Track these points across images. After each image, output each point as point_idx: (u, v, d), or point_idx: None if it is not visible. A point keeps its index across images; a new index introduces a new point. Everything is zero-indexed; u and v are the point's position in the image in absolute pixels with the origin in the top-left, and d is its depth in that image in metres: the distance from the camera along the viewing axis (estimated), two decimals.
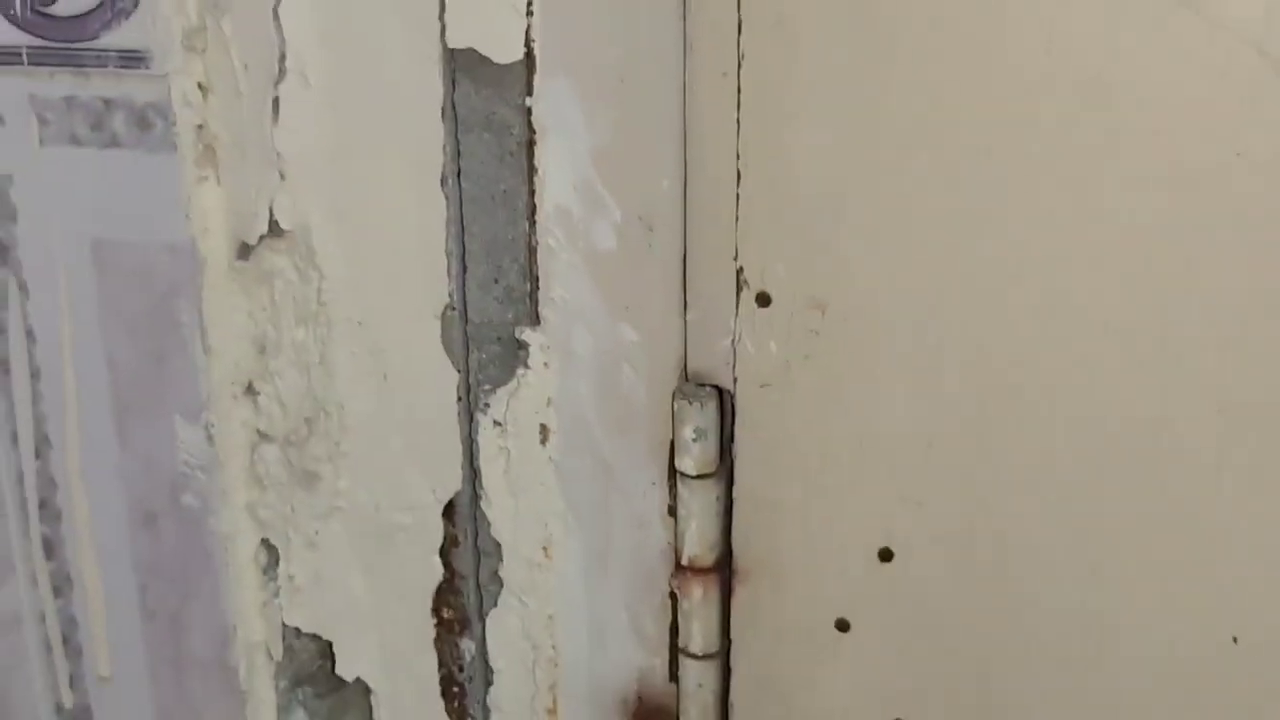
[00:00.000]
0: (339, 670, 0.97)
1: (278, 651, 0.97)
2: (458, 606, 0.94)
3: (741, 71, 0.78)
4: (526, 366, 0.88)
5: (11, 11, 0.88)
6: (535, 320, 0.87)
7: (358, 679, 0.97)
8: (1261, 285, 0.71)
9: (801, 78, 0.77)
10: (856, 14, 0.75)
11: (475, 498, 0.91)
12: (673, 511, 0.87)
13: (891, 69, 0.74)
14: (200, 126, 0.88)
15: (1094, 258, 0.74)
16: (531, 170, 0.84)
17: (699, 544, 0.86)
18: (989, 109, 0.74)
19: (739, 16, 0.77)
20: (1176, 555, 0.76)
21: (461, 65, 0.84)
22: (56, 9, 0.87)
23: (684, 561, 0.86)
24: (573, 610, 0.91)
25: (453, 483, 0.91)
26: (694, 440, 0.83)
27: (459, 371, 0.89)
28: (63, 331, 0.94)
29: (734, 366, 0.83)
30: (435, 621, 0.94)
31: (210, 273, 0.90)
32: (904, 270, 0.78)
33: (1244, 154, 0.68)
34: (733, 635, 0.88)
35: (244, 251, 0.91)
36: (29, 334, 0.95)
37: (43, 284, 0.94)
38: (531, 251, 0.86)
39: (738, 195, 0.80)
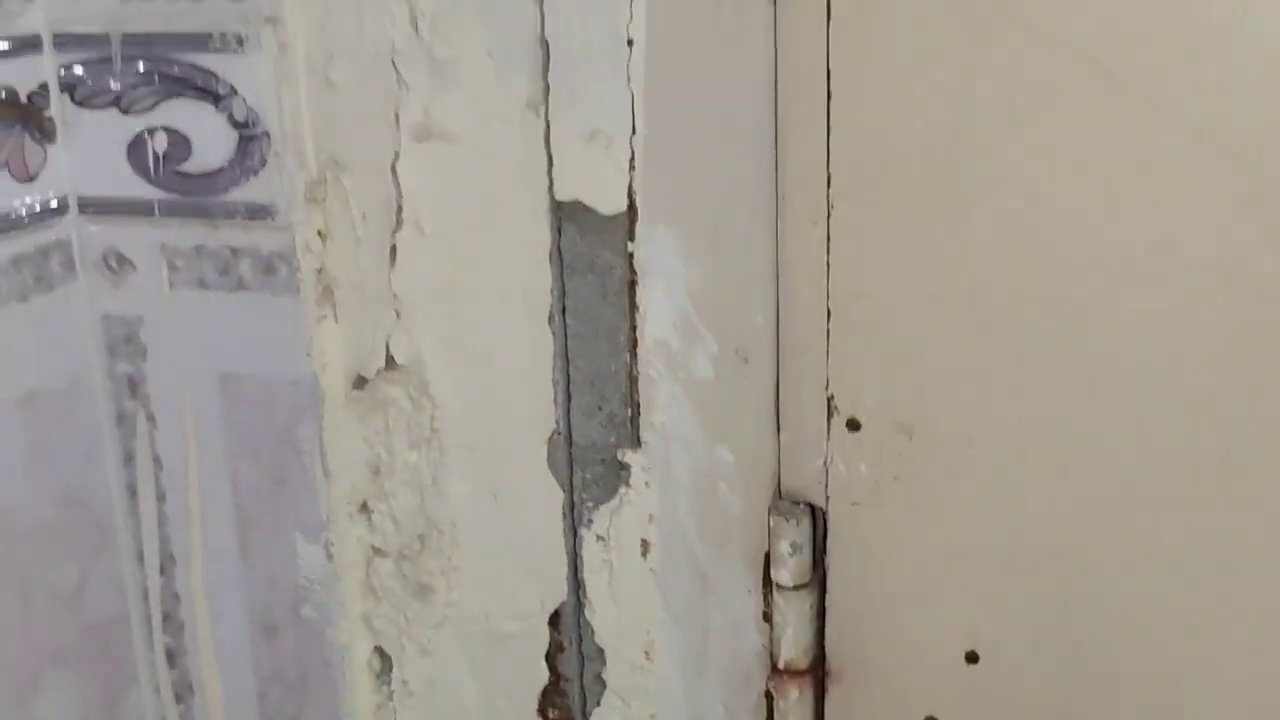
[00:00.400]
0: None
1: None
2: (563, 707, 1.00)
3: (831, 220, 0.85)
4: (628, 486, 0.95)
5: (146, 169, 0.95)
6: (636, 443, 0.94)
7: None
8: None
9: (887, 226, 0.84)
10: (935, 169, 0.82)
11: (580, 606, 0.98)
12: (767, 617, 0.94)
13: (969, 218, 0.82)
14: (320, 270, 0.96)
15: (1164, 383, 0.81)
16: (633, 307, 0.92)
17: (795, 649, 0.92)
18: (1061, 250, 0.81)
19: (828, 171, 0.85)
20: (1255, 658, 0.83)
21: (567, 214, 0.91)
22: (189, 167, 0.94)
23: (780, 665, 0.93)
24: (673, 710, 0.98)
25: (559, 593, 0.98)
26: (790, 554, 0.90)
27: (564, 491, 0.96)
28: (189, 458, 1.01)
29: (826, 485, 0.90)
30: None
31: (329, 404, 0.97)
32: (986, 399, 0.85)
33: None
34: None
35: (360, 383, 0.98)
36: (156, 460, 1.01)
37: (170, 415, 1.01)
38: (633, 381, 0.93)
39: (828, 331, 0.87)
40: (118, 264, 0.98)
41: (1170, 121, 0.77)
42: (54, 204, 0.96)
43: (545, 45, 0.88)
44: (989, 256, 0.83)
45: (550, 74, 0.88)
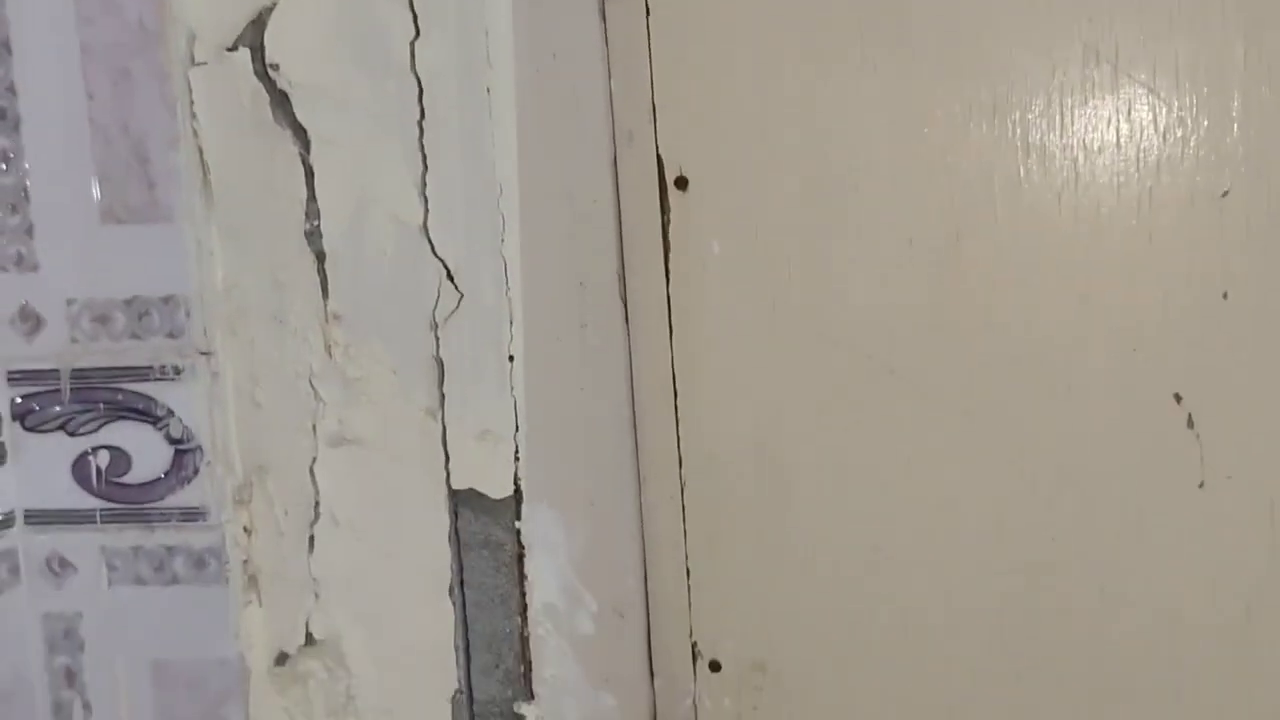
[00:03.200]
0: None
1: None
2: None
3: (685, 494, 1.05)
4: None
5: (89, 482, 1.09)
6: (530, 696, 1.09)
7: None
8: None
9: (729, 498, 1.04)
10: (763, 454, 1.03)
11: None
12: None
13: (790, 495, 1.02)
14: (245, 561, 1.11)
15: (965, 625, 1.01)
16: (522, 577, 1.08)
17: None
18: (867, 512, 1.02)
19: (679, 454, 1.04)
20: None
21: (463, 500, 1.08)
22: (128, 479, 1.09)
23: None
24: None
25: None
26: None
27: None
28: None
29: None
30: None
31: (255, 680, 1.11)
32: (823, 640, 1.03)
33: None
34: None
35: (282, 659, 1.12)
36: None
37: (105, 702, 1.12)
38: (524, 641, 1.09)
39: (688, 587, 1.05)
40: (60, 567, 1.11)
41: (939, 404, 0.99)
42: (3, 519, 1.09)
43: (440, 363, 1.07)
44: (811, 528, 1.03)
45: (445, 386, 1.07)
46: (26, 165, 1.07)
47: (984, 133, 0.94)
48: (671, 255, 1.01)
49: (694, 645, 1.07)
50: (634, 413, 1.06)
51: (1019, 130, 0.93)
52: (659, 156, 1.00)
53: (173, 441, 1.09)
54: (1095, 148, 0.92)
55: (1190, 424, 0.94)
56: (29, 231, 1.08)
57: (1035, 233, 0.94)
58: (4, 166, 1.06)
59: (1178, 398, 0.94)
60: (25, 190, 1.07)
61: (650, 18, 0.98)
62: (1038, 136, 0.92)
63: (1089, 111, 0.91)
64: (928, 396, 0.98)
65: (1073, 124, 0.92)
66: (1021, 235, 0.94)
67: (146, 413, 1.08)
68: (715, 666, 1.07)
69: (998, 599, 1.01)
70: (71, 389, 1.09)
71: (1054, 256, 0.95)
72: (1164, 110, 0.90)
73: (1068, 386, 0.95)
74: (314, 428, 1.09)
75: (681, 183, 1.00)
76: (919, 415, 0.99)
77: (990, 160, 0.94)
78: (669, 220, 1.01)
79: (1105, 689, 1.00)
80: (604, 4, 0.99)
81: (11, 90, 1.06)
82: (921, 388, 0.98)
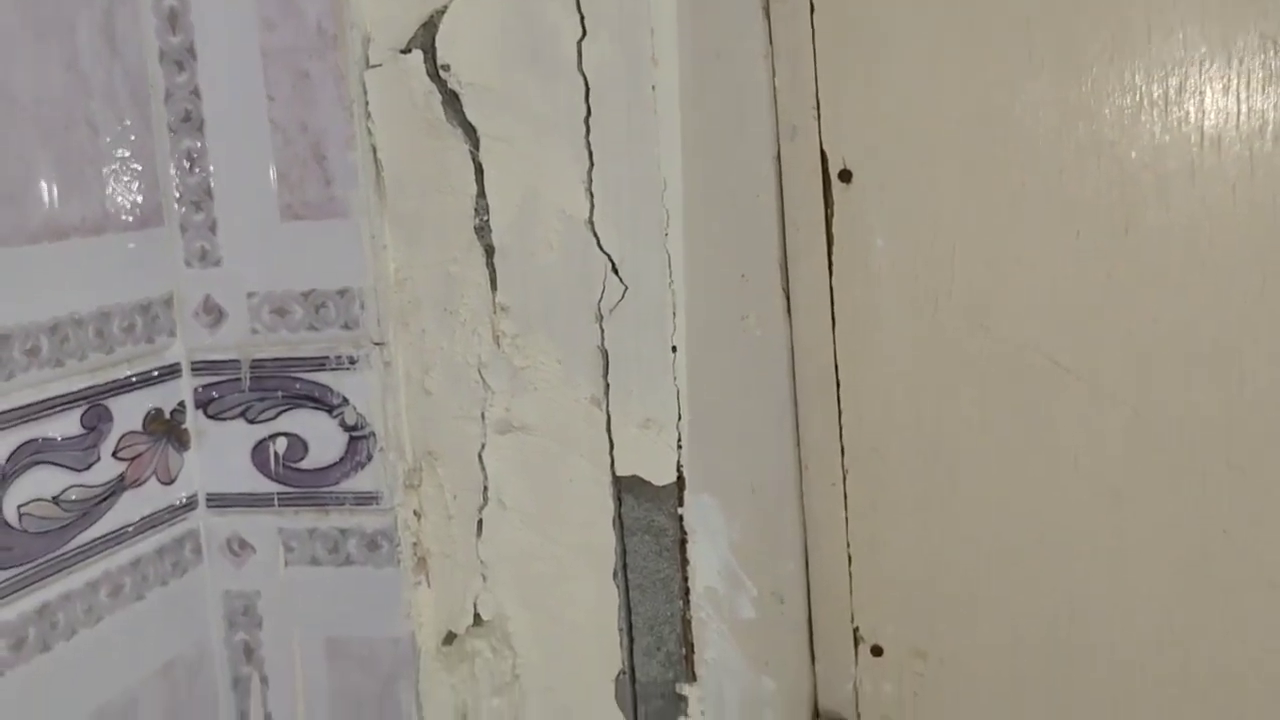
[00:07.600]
0: None
1: None
2: None
3: (846, 482, 1.09)
4: (686, 715, 1.15)
5: (267, 468, 1.17)
6: (692, 678, 1.14)
7: None
8: None
9: (894, 487, 1.08)
10: (926, 444, 1.06)
11: None
12: None
13: (955, 476, 1.06)
14: (415, 544, 1.17)
15: (1131, 612, 1.04)
16: (684, 561, 1.14)
17: None
18: (1028, 501, 1.05)
19: (841, 444, 1.08)
20: None
21: (626, 487, 1.14)
22: (305, 464, 1.16)
23: None
24: None
25: None
26: None
27: None
28: (297, 713, 1.19)
29: (857, 704, 1.11)
30: None
31: (424, 659, 1.17)
32: (987, 626, 1.07)
33: None
34: None
35: (450, 639, 1.18)
36: (267, 717, 1.20)
37: (281, 676, 1.20)
38: (686, 624, 1.14)
39: (850, 574, 1.09)
40: (239, 548, 1.19)
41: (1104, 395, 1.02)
42: (186, 501, 1.17)
43: (604, 353, 1.12)
44: (975, 518, 1.06)
45: (609, 375, 1.12)
46: (210, 165, 1.13)
47: (1155, 124, 0.96)
48: (835, 248, 1.05)
49: (855, 630, 1.11)
50: (795, 403, 1.09)
51: (1192, 121, 0.95)
52: (823, 151, 1.04)
53: (347, 429, 1.15)
54: (1272, 137, 0.94)
55: None
56: (212, 228, 1.15)
57: (1207, 225, 0.95)
58: (189, 167, 1.13)
59: None
60: (209, 189, 1.14)
61: (815, 15, 1.02)
62: (1212, 128, 0.94)
63: (1266, 102, 0.92)
64: (1095, 390, 1.01)
65: (1248, 116, 0.94)
66: (1192, 227, 0.96)
67: (322, 401, 1.15)
68: (877, 651, 1.11)
69: (1164, 591, 1.03)
70: (251, 378, 1.16)
71: (1227, 249, 0.96)
72: None
73: (1239, 379, 0.97)
74: (482, 415, 1.15)
75: (845, 175, 1.03)
76: (1086, 409, 1.02)
77: (1161, 151, 0.96)
78: (832, 213, 1.05)
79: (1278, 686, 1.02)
80: (768, 2, 1.03)
81: (196, 94, 1.13)
82: (1088, 381, 1.01)
